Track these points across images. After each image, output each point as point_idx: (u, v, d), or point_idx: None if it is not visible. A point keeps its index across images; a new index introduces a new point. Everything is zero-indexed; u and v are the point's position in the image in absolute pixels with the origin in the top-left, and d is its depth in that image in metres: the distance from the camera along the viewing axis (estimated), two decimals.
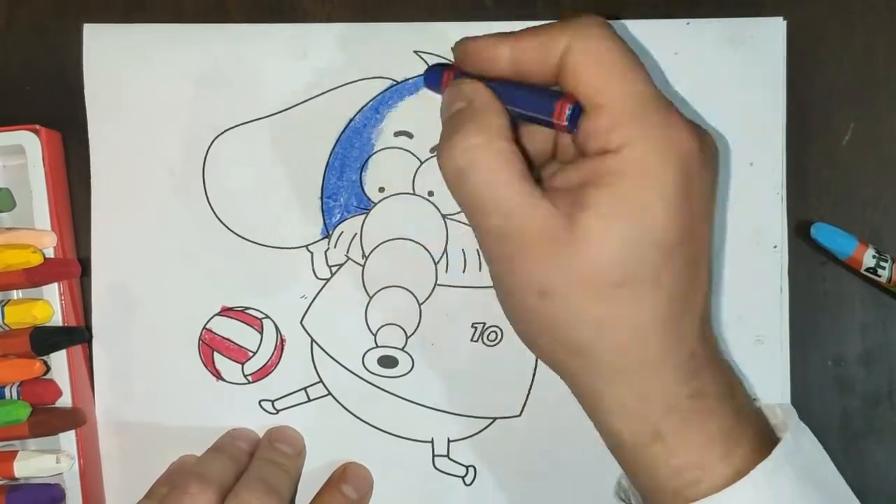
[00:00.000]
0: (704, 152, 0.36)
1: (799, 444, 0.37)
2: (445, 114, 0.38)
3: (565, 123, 0.36)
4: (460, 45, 0.39)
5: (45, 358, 0.45)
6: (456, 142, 0.36)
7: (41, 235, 0.45)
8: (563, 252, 0.34)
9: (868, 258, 0.45)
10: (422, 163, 0.47)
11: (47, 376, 0.46)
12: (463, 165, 0.36)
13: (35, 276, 0.45)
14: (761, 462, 0.35)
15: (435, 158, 0.45)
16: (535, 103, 0.37)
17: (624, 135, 0.34)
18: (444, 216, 0.46)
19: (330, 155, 0.47)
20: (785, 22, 0.46)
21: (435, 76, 0.41)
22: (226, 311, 0.47)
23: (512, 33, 0.37)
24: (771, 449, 0.36)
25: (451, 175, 0.36)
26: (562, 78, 0.36)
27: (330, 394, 0.47)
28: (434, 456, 0.47)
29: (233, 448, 0.45)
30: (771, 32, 0.46)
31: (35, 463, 0.44)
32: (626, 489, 0.41)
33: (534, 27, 0.37)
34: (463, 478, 0.47)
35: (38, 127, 0.46)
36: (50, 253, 0.45)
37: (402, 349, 0.47)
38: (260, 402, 0.47)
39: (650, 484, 0.36)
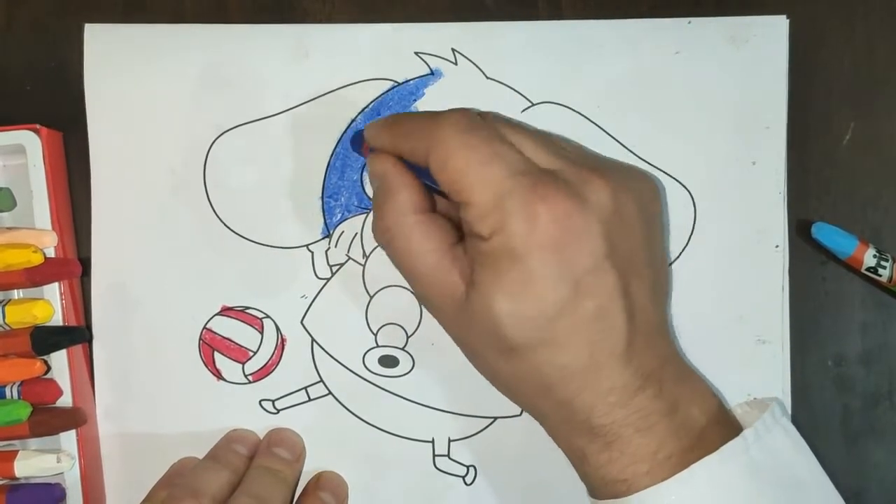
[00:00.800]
0: (586, 209, 0.37)
1: (763, 441, 0.39)
2: (371, 188, 0.43)
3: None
4: (368, 135, 0.42)
5: (45, 357, 0.45)
6: (376, 225, 0.41)
7: (42, 235, 0.45)
8: (466, 317, 0.38)
9: (868, 258, 0.45)
10: None
11: (48, 376, 0.46)
12: (384, 244, 0.41)
13: (35, 276, 0.45)
14: (701, 460, 0.37)
15: None
16: (430, 177, 0.39)
17: (488, 226, 0.37)
18: None
19: (331, 155, 0.47)
20: (787, 20, 0.46)
21: (357, 142, 0.44)
22: (226, 311, 0.47)
23: (394, 124, 0.41)
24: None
25: (383, 249, 0.41)
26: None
27: (330, 393, 0.47)
28: (434, 455, 0.47)
29: (230, 454, 0.45)
30: (773, 31, 0.46)
31: (36, 462, 0.44)
32: None
33: (410, 121, 0.40)
34: (463, 477, 0.47)
35: (38, 126, 0.46)
36: (50, 252, 0.45)
37: (403, 349, 0.47)
38: (260, 401, 0.47)
39: (590, 489, 0.40)
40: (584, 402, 0.38)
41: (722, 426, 0.39)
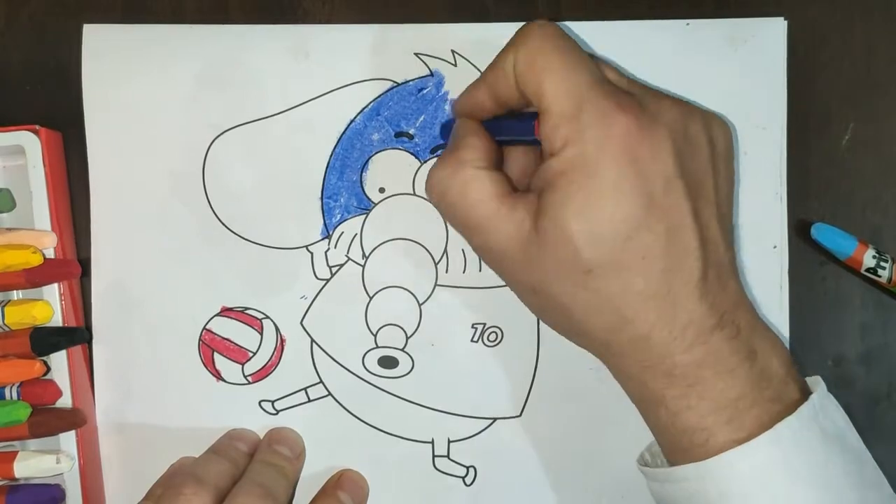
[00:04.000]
0: (659, 125, 0.37)
1: (825, 410, 0.38)
2: None
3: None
4: (454, 106, 0.43)
5: (45, 358, 0.45)
6: (430, 174, 0.40)
7: (41, 236, 0.45)
8: (535, 254, 0.38)
9: (868, 258, 0.45)
10: (422, 163, 0.47)
11: (47, 377, 0.46)
12: (437, 197, 0.40)
13: (35, 277, 0.45)
14: (784, 420, 0.36)
15: (435, 159, 0.46)
16: (518, 129, 0.40)
17: (562, 136, 0.37)
18: None
19: (330, 155, 0.47)
20: (786, 22, 0.46)
21: (447, 132, 0.44)
22: (226, 312, 0.47)
23: (483, 73, 0.41)
24: (789, 413, 0.37)
25: (434, 202, 0.41)
26: (520, 91, 0.39)
27: (330, 394, 0.47)
28: (434, 456, 0.47)
29: (231, 450, 0.45)
30: (771, 32, 0.46)
31: (35, 463, 0.44)
32: (655, 454, 0.42)
33: (498, 53, 0.40)
34: (463, 478, 0.47)
35: (38, 127, 0.46)
36: (50, 253, 0.45)
37: (403, 350, 0.47)
38: (260, 402, 0.47)
39: (663, 441, 0.39)
40: (661, 336, 0.37)
41: (796, 383, 0.39)
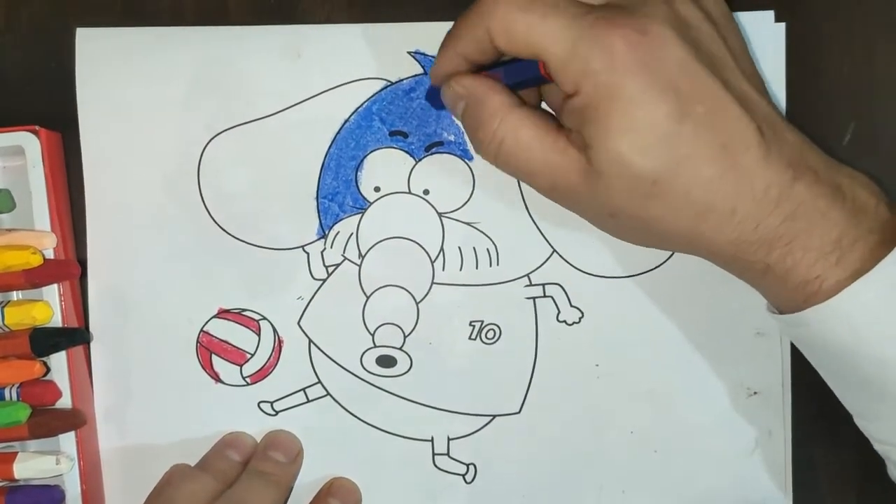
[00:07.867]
0: (654, 21, 0.37)
1: None
2: (457, 116, 0.42)
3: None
4: (432, 73, 0.42)
5: (44, 359, 0.45)
6: (480, 139, 0.40)
7: (41, 236, 0.45)
8: (600, 184, 0.38)
9: None
10: (417, 162, 0.47)
11: (47, 377, 0.46)
12: (494, 153, 0.40)
13: (35, 277, 0.45)
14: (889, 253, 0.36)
15: (430, 157, 0.46)
16: (522, 71, 0.39)
17: (571, 78, 0.37)
18: (439, 214, 0.46)
19: (325, 155, 0.47)
20: (783, 24, 0.46)
21: (435, 95, 0.44)
22: (223, 314, 0.47)
23: (450, 36, 0.40)
24: (892, 239, 0.37)
25: (493, 163, 0.41)
26: (506, 52, 0.39)
27: (329, 394, 0.47)
28: (434, 454, 0.47)
29: (220, 462, 0.45)
30: (769, 34, 0.46)
31: (35, 464, 0.44)
32: None
33: (460, 20, 0.40)
34: (463, 476, 0.47)
35: (37, 128, 0.46)
36: (50, 254, 0.46)
37: (401, 348, 0.47)
38: (259, 403, 0.47)
39: (779, 304, 0.40)
40: (746, 206, 0.37)
41: (889, 208, 0.38)
